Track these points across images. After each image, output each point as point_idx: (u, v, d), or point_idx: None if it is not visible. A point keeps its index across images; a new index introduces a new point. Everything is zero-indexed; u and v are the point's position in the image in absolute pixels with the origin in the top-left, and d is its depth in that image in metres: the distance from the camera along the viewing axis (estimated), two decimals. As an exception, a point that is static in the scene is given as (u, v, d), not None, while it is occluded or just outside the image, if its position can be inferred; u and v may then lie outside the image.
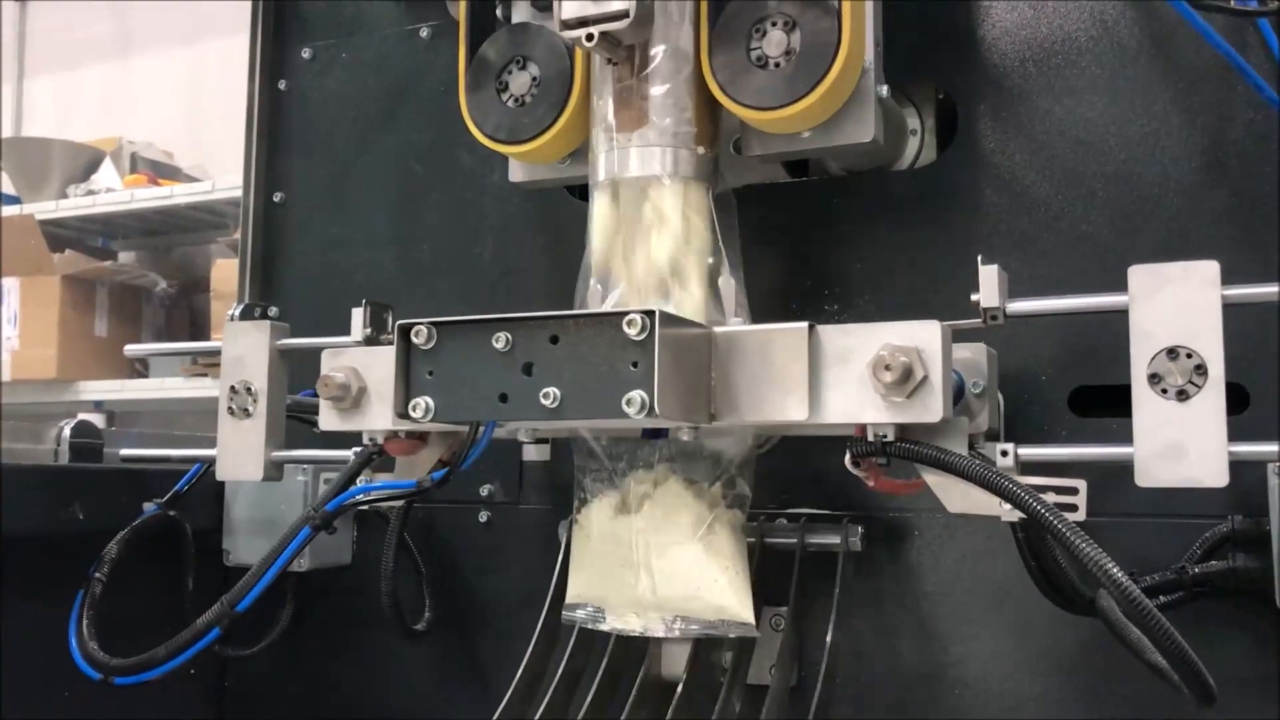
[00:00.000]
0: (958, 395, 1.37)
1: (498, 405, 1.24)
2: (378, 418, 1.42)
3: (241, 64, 2.09)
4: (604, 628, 1.43)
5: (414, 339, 1.27)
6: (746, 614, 1.36)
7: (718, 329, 1.27)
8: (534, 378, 1.22)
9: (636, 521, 1.40)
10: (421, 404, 1.26)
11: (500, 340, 1.23)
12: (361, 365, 1.43)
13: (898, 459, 1.22)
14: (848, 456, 1.24)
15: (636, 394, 1.15)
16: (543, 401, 1.20)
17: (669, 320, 1.18)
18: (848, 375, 1.21)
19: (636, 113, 1.39)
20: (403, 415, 1.27)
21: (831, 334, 1.23)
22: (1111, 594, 1.08)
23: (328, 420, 1.45)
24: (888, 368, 1.17)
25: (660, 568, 1.38)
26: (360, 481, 1.47)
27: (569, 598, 1.47)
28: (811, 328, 1.23)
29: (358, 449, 1.46)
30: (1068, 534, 1.09)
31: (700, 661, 1.51)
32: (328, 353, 1.46)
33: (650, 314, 1.16)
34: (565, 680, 1.52)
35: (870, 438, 1.21)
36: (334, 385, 1.42)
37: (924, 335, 1.18)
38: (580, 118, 1.46)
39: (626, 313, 1.16)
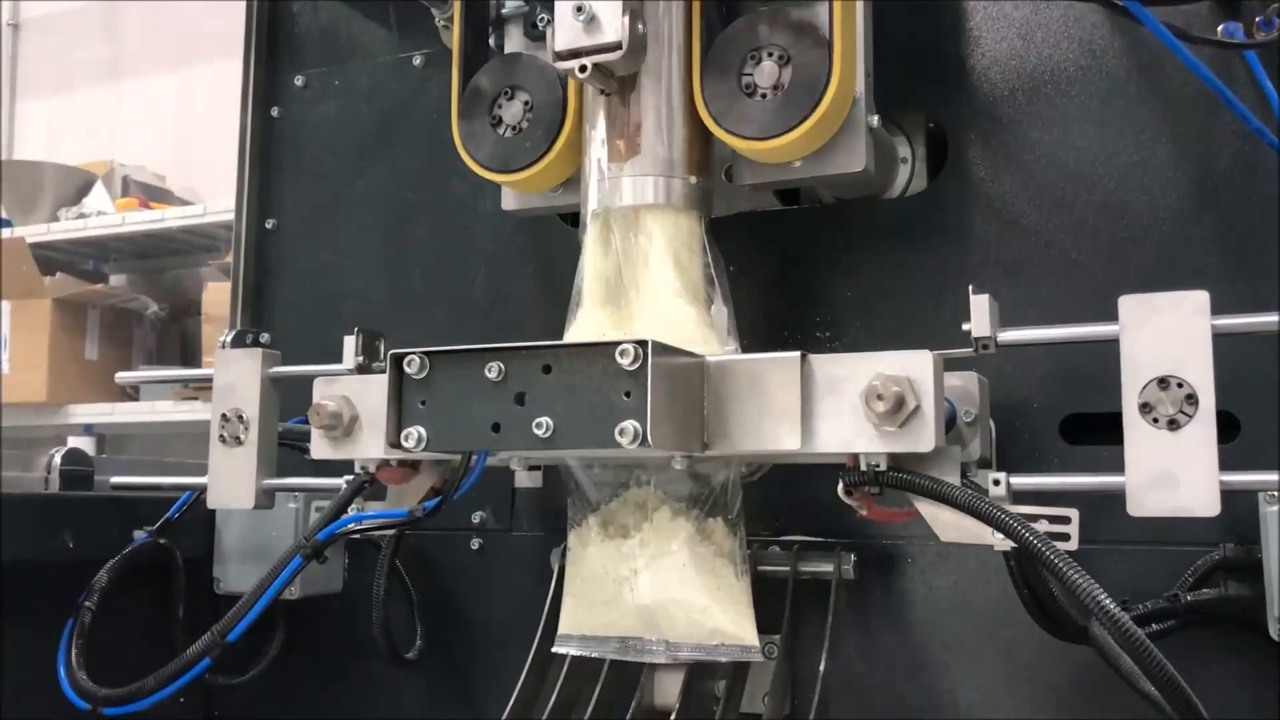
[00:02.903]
0: (950, 423, 1.37)
1: (490, 435, 1.24)
2: (370, 446, 1.42)
3: (233, 89, 2.09)
4: (599, 655, 1.42)
5: (407, 368, 1.27)
6: (749, 637, 1.36)
7: (710, 358, 1.28)
8: (526, 407, 1.22)
9: (629, 548, 1.39)
10: (414, 433, 1.26)
11: (493, 370, 1.23)
12: (354, 394, 1.43)
13: (890, 488, 1.22)
14: (840, 486, 1.24)
15: (629, 424, 1.15)
16: (535, 431, 1.20)
17: (661, 350, 1.18)
18: (840, 405, 1.22)
19: (629, 142, 1.40)
20: (395, 444, 1.27)
21: (824, 363, 1.23)
22: (1103, 624, 1.08)
23: (320, 449, 1.44)
24: (880, 397, 1.17)
25: (656, 594, 1.38)
26: (352, 510, 1.46)
27: (562, 628, 1.46)
28: (804, 357, 1.23)
29: (349, 477, 1.46)
30: (1059, 564, 1.10)
31: (693, 690, 1.50)
32: (319, 381, 1.46)
33: (643, 344, 1.16)
34: (557, 709, 1.52)
35: (863, 467, 1.22)
36: (326, 414, 1.42)
37: (916, 365, 1.19)
38: (573, 147, 1.47)
39: (619, 343, 1.17)
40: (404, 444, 1.26)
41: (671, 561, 1.38)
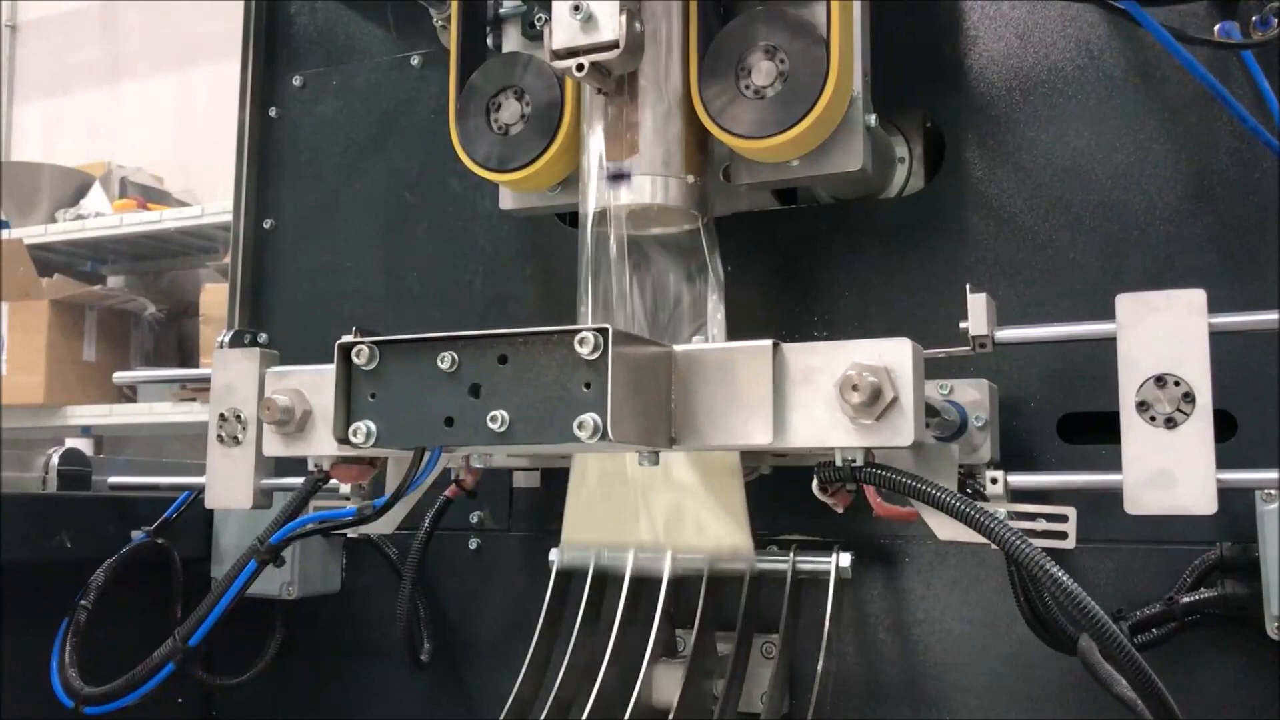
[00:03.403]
0: (961, 429, 1.37)
1: (443, 429, 1.16)
2: (323, 443, 1.36)
3: (231, 90, 2.09)
4: (596, 563, 1.40)
5: (355, 359, 1.20)
6: (746, 546, 1.35)
7: (678, 348, 1.22)
8: (481, 400, 1.14)
9: (633, 462, 1.35)
10: (363, 428, 1.18)
11: (446, 360, 1.15)
12: (307, 387, 1.37)
13: (868, 485, 1.19)
14: (814, 482, 1.20)
15: (589, 417, 1.08)
16: (490, 425, 1.13)
17: (624, 339, 1.12)
18: (814, 396, 1.16)
19: (626, 141, 1.40)
20: (343, 440, 1.19)
21: (797, 352, 1.18)
22: (1073, 613, 1.06)
23: (271, 445, 1.40)
24: (855, 388, 1.12)
25: (658, 502, 1.36)
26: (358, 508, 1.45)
27: (564, 537, 1.42)
28: (776, 346, 1.18)
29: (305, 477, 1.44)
30: (1023, 547, 1.06)
31: (692, 689, 1.50)
32: (270, 374, 1.41)
33: (603, 331, 1.09)
34: (555, 708, 1.51)
35: (839, 462, 1.17)
36: (277, 409, 1.36)
37: (894, 354, 1.14)
38: (570, 146, 1.47)
39: (578, 330, 1.10)
40: (352, 440, 1.18)
41: (674, 471, 1.37)
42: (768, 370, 1.17)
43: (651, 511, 1.37)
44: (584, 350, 1.09)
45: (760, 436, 1.17)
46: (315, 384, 1.37)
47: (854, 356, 1.14)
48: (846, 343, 1.16)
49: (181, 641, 1.44)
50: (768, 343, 1.18)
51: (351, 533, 1.69)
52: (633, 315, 1.40)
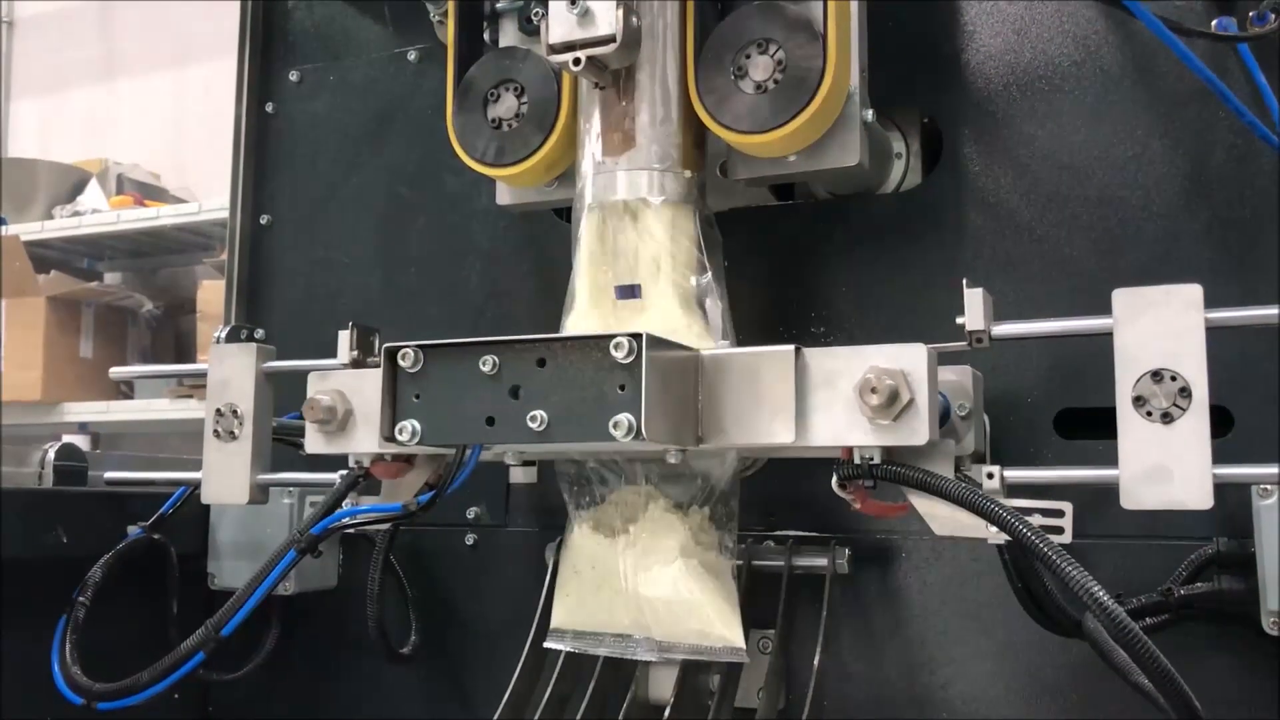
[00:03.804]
0: (944, 418, 1.37)
1: (484, 428, 1.23)
2: (364, 441, 1.41)
3: (227, 87, 2.09)
4: (590, 651, 1.43)
5: (401, 362, 1.27)
6: (737, 639, 1.36)
7: (704, 351, 1.28)
8: (521, 401, 1.22)
9: (622, 546, 1.39)
10: (408, 427, 1.26)
11: (487, 363, 1.23)
12: (348, 388, 1.43)
13: (884, 482, 1.22)
14: (834, 479, 1.24)
15: (624, 417, 1.15)
16: (530, 425, 1.20)
17: (656, 343, 1.18)
18: (834, 398, 1.21)
19: (623, 136, 1.40)
20: (389, 438, 1.27)
21: (818, 357, 1.23)
22: (1098, 617, 1.08)
23: (314, 443, 1.44)
24: (874, 390, 1.17)
25: (647, 592, 1.38)
26: (346, 504, 1.46)
27: (554, 624, 1.46)
28: (798, 350, 1.23)
29: (344, 472, 1.46)
30: (1053, 557, 1.09)
31: (688, 685, 1.50)
32: (314, 376, 1.45)
33: (637, 337, 1.16)
34: (552, 704, 1.52)
35: (856, 460, 1.21)
36: (320, 408, 1.41)
37: (910, 358, 1.19)
38: (567, 141, 1.47)
39: (613, 336, 1.17)
40: (398, 438, 1.26)
41: (663, 560, 1.38)
42: (790, 373, 1.23)
43: (639, 601, 1.38)
44: (619, 354, 1.16)
45: (783, 436, 1.22)
46: (356, 385, 1.42)
47: (872, 360, 1.19)
48: (865, 348, 1.21)
49: (214, 631, 1.44)
50: (790, 348, 1.23)
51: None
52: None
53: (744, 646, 1.37)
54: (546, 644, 1.47)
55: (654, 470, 1.40)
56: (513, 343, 1.23)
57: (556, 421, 1.20)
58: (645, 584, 1.38)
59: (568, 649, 1.46)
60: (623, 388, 1.17)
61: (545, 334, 1.23)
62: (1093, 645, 1.27)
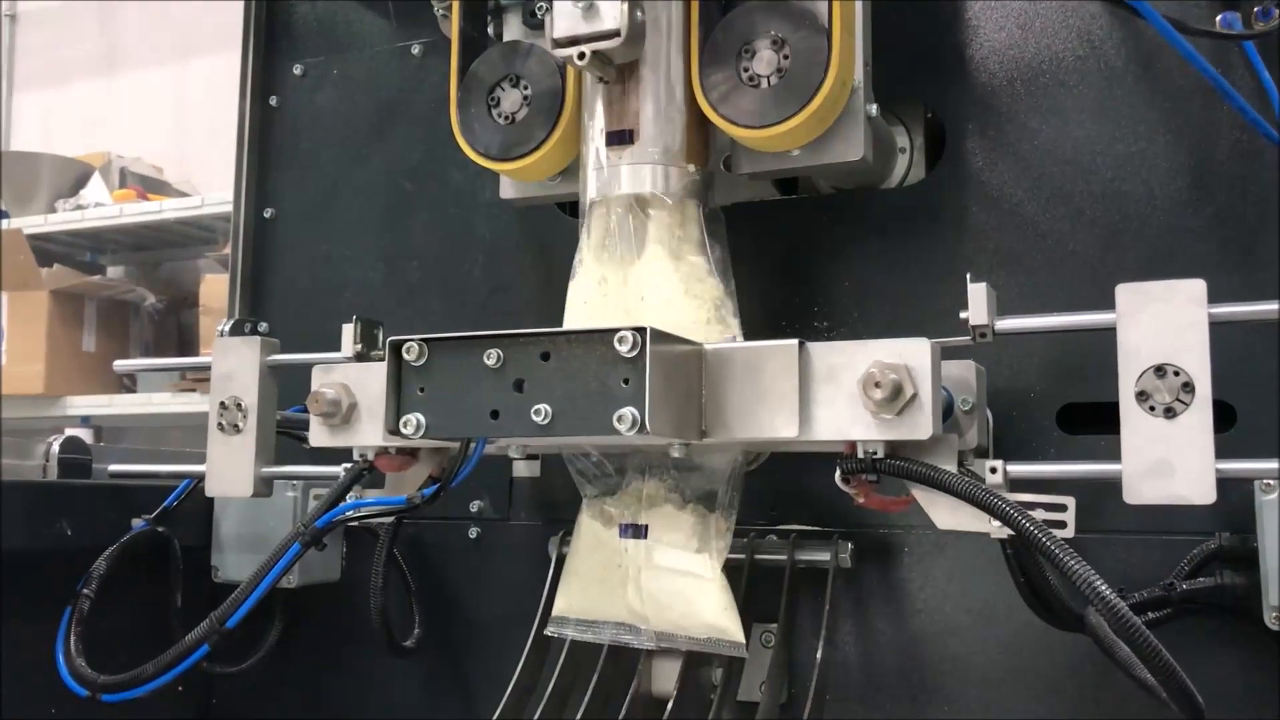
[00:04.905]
0: (947, 412, 1.37)
1: (489, 422, 1.24)
2: (368, 434, 1.42)
3: (231, 81, 2.09)
4: (591, 639, 1.43)
5: (405, 355, 1.27)
6: (737, 633, 1.37)
7: (708, 346, 1.28)
8: (525, 394, 1.22)
9: (627, 539, 1.40)
10: (413, 420, 1.26)
11: (492, 357, 1.23)
12: (352, 381, 1.43)
13: (888, 476, 1.22)
14: (838, 473, 1.24)
15: (628, 411, 1.15)
16: (534, 418, 1.21)
17: (660, 337, 1.18)
18: (837, 392, 1.21)
19: (627, 130, 1.39)
20: (394, 431, 1.27)
21: (821, 351, 1.23)
22: (1100, 611, 1.09)
23: (318, 436, 1.44)
24: (878, 385, 1.17)
25: (651, 583, 1.39)
26: (351, 498, 1.46)
27: (556, 611, 1.47)
28: (801, 344, 1.23)
29: (348, 465, 1.46)
30: (1057, 551, 1.10)
31: (690, 678, 1.51)
32: (318, 369, 1.45)
33: (641, 331, 1.16)
34: (555, 697, 1.52)
35: (860, 455, 1.22)
36: (325, 402, 1.41)
37: (914, 353, 1.19)
38: (571, 135, 1.47)
39: (617, 330, 1.17)
40: (403, 431, 1.27)
41: (667, 553, 1.39)
42: (794, 367, 1.22)
43: (641, 592, 1.39)
44: (623, 348, 1.16)
45: (786, 430, 1.22)
46: (360, 378, 1.42)
47: (876, 355, 1.19)
48: (869, 342, 1.21)
49: (219, 623, 1.45)
50: (793, 342, 1.23)
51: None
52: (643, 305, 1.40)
53: (744, 640, 1.37)
54: (548, 631, 1.48)
55: (659, 464, 1.40)
56: (517, 336, 1.23)
57: (560, 415, 1.20)
58: (648, 576, 1.39)
59: (569, 635, 1.46)
60: (626, 381, 1.17)
61: (549, 328, 1.23)
62: (1095, 640, 1.28)
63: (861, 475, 1.23)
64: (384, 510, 1.46)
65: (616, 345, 1.17)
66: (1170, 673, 1.07)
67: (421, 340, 1.26)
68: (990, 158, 1.59)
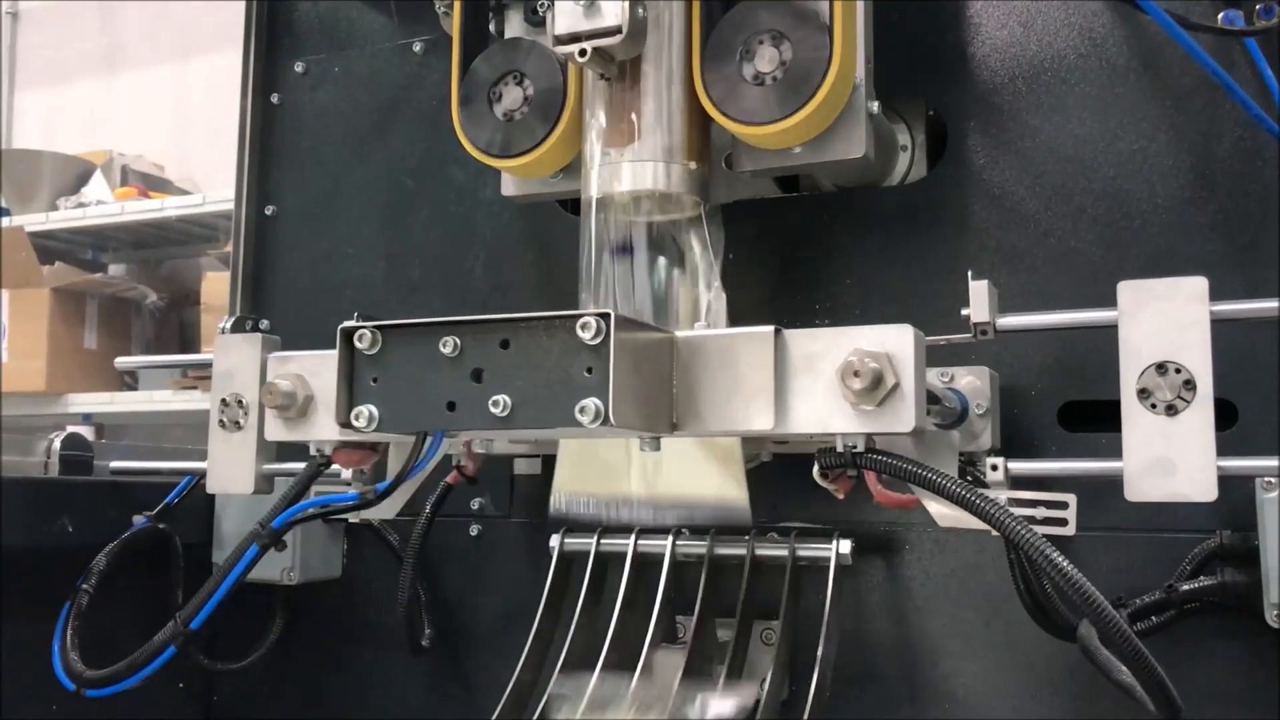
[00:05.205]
0: (962, 416, 1.37)
1: (445, 414, 1.16)
2: (325, 428, 1.36)
3: (231, 79, 2.09)
4: (584, 514, 1.40)
5: (357, 343, 1.20)
6: (743, 503, 1.33)
7: (680, 334, 1.22)
8: (483, 385, 1.15)
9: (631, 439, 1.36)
10: (365, 413, 1.18)
11: (448, 345, 1.16)
12: (308, 372, 1.38)
13: (869, 471, 1.18)
14: (815, 469, 1.20)
15: (590, 402, 1.08)
16: (492, 410, 1.13)
17: (625, 324, 1.12)
18: (815, 382, 1.16)
19: (628, 127, 1.39)
20: (345, 424, 1.20)
21: (798, 339, 1.18)
22: (1073, 597, 1.05)
23: (273, 430, 1.40)
24: (856, 374, 1.12)
25: (655, 459, 1.35)
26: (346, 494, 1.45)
27: (556, 485, 1.42)
28: (778, 332, 1.18)
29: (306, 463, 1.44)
30: (1030, 539, 1.06)
31: (692, 675, 1.50)
32: (273, 358, 1.41)
33: (605, 316, 1.10)
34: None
35: (840, 448, 1.17)
36: (279, 394, 1.36)
37: (895, 340, 1.14)
38: (573, 132, 1.47)
39: (580, 315, 1.10)
40: (355, 424, 1.19)
41: (673, 450, 1.35)
42: (769, 356, 1.17)
43: (645, 463, 1.36)
44: (586, 335, 1.09)
45: (762, 422, 1.17)
46: (317, 369, 1.38)
47: (855, 343, 1.14)
48: (848, 329, 1.16)
49: (183, 625, 1.45)
50: (769, 329, 1.18)
51: (353, 518, 1.70)
52: (639, 301, 1.40)
53: (748, 509, 1.32)
54: (553, 541, 1.43)
55: None
56: (474, 323, 1.16)
57: (520, 406, 1.12)
58: (655, 467, 1.36)
59: (568, 511, 1.42)
60: (590, 370, 1.10)
61: (509, 314, 1.16)
62: (1083, 650, 1.26)
63: (841, 470, 1.18)
64: (338, 508, 1.41)
65: (579, 332, 1.09)
66: (1144, 666, 1.05)
67: (374, 327, 1.20)
68: (992, 156, 1.58)
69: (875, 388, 1.12)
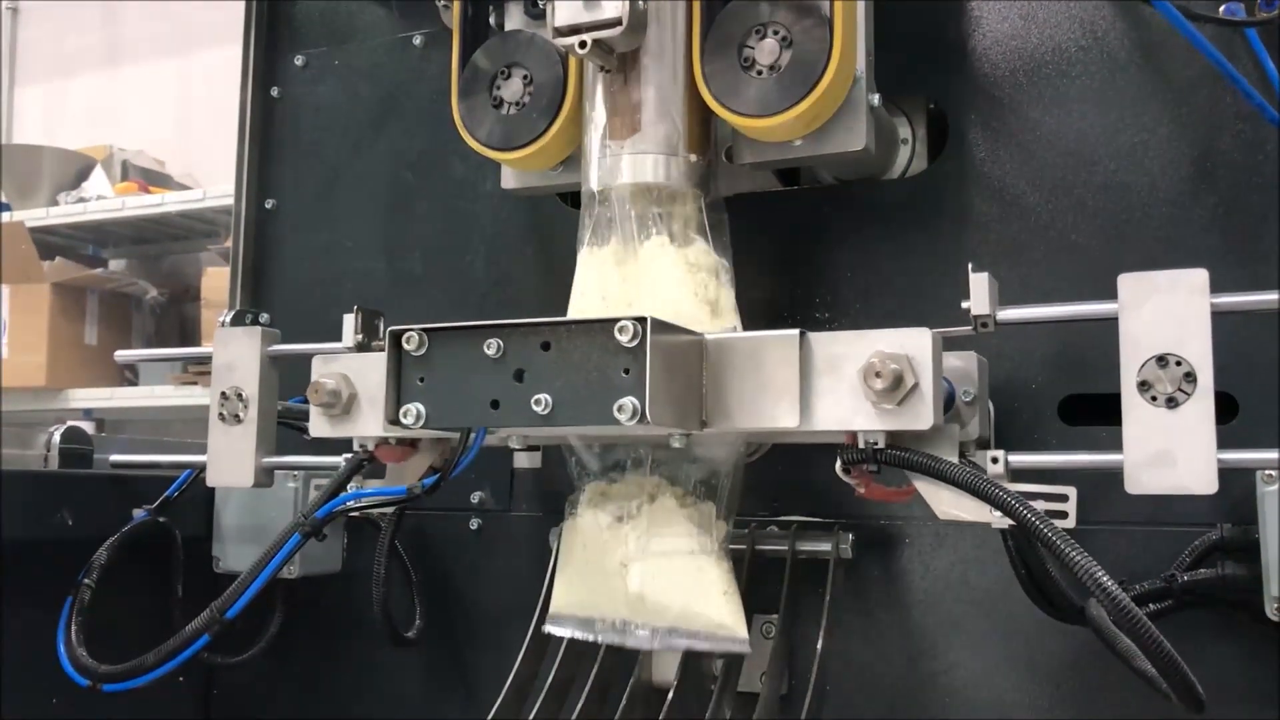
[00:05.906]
0: (948, 403, 1.37)
1: (489, 412, 1.24)
2: (368, 424, 1.41)
3: (232, 73, 2.09)
4: (590, 638, 1.42)
5: (405, 345, 1.27)
6: (740, 630, 1.36)
7: (709, 336, 1.28)
8: (525, 384, 1.22)
9: (627, 532, 1.39)
10: (413, 410, 1.26)
11: (492, 347, 1.23)
12: (352, 371, 1.43)
13: (888, 466, 1.22)
14: (839, 464, 1.24)
15: (628, 400, 1.15)
16: (534, 408, 1.20)
17: (660, 327, 1.18)
18: (838, 382, 1.21)
19: (629, 120, 1.39)
20: (394, 422, 1.27)
21: (823, 341, 1.23)
22: (1101, 602, 1.08)
23: (318, 427, 1.44)
24: (878, 375, 1.17)
25: (650, 579, 1.38)
26: (351, 488, 1.46)
27: (554, 608, 1.46)
28: (802, 334, 1.23)
29: (348, 455, 1.46)
30: (1058, 541, 1.09)
31: (691, 669, 1.51)
32: (318, 359, 1.45)
33: (642, 321, 1.16)
34: (555, 688, 1.52)
35: (861, 445, 1.21)
36: (324, 392, 1.41)
37: (914, 343, 1.19)
38: (573, 125, 1.47)
39: (618, 320, 1.17)
40: (403, 421, 1.26)
41: (666, 548, 1.38)
42: (794, 357, 1.23)
43: (642, 590, 1.38)
44: (623, 338, 1.16)
45: (788, 420, 1.22)
46: (360, 369, 1.42)
47: (876, 345, 1.19)
48: (869, 332, 1.21)
49: (219, 613, 1.45)
50: (794, 332, 1.23)
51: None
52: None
53: (746, 636, 1.36)
54: (546, 628, 1.47)
55: (659, 456, 1.40)
56: (517, 326, 1.23)
57: (561, 405, 1.20)
58: (648, 571, 1.38)
59: (566, 634, 1.46)
60: (627, 371, 1.17)
61: (550, 318, 1.23)
62: (1095, 631, 1.27)
63: (862, 465, 1.22)
64: (384, 501, 1.46)
65: (617, 335, 1.17)
66: (1172, 664, 1.07)
67: (422, 330, 1.26)
68: (992, 149, 1.58)
69: (896, 388, 1.17)
